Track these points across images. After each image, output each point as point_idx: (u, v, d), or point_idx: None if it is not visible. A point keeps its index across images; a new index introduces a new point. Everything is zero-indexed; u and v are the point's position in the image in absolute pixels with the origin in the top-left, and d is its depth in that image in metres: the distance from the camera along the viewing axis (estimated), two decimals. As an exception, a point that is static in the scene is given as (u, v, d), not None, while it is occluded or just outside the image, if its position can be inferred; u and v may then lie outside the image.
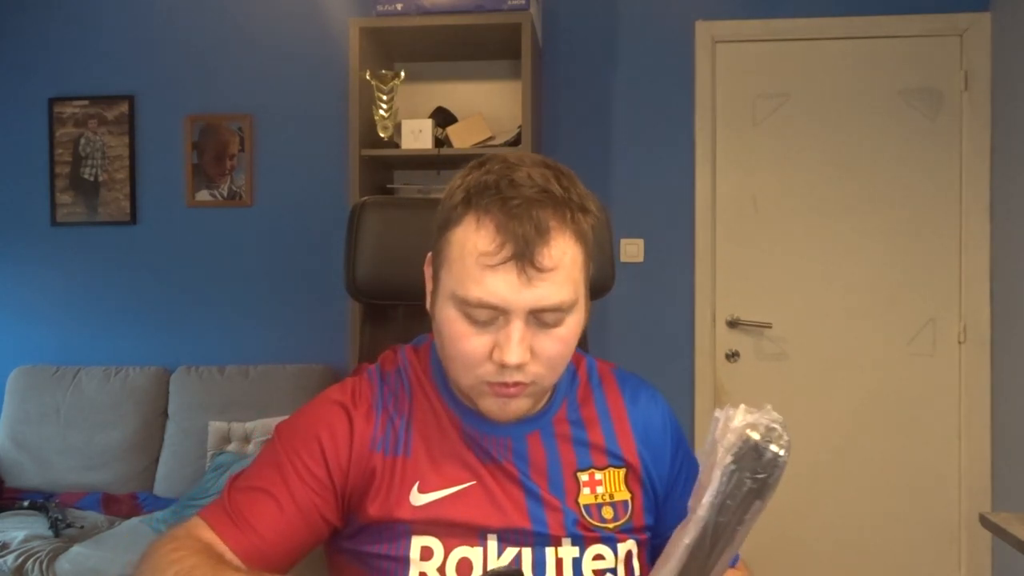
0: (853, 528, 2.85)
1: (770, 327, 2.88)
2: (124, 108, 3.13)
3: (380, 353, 1.02)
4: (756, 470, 0.67)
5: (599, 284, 1.27)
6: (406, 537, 0.86)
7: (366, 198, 1.29)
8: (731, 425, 0.68)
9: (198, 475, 2.71)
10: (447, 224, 0.84)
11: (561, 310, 0.82)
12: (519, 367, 0.81)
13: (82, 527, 2.55)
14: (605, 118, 2.96)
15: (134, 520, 2.60)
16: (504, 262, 0.78)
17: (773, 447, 0.68)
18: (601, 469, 0.92)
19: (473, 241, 0.80)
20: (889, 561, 2.84)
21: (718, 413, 0.70)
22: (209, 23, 3.11)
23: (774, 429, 0.68)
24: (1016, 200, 2.62)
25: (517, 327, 0.80)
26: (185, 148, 3.11)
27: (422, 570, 0.85)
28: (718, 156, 2.92)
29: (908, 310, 2.85)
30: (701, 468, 0.71)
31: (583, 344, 1.34)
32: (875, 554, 2.85)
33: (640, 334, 2.94)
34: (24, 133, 3.17)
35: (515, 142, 2.67)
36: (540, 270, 0.79)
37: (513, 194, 0.79)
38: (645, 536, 0.94)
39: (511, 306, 0.79)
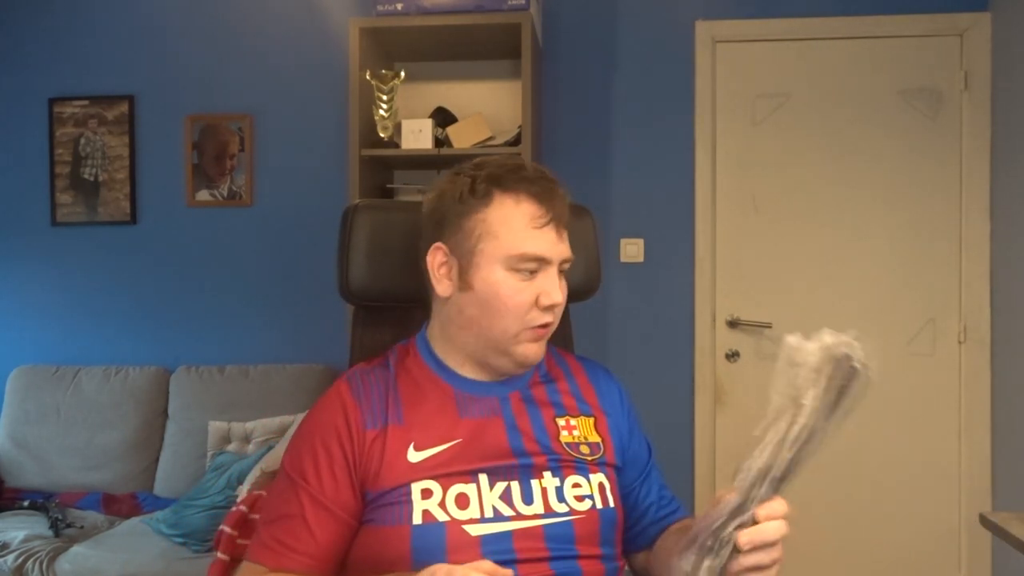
0: (853, 527, 2.85)
1: (770, 327, 2.88)
2: (124, 108, 3.13)
3: (372, 355, 1.17)
4: (843, 382, 0.77)
5: (586, 285, 1.29)
6: (407, 485, 0.98)
7: (358, 201, 1.30)
8: (821, 343, 0.78)
9: (198, 475, 2.71)
10: (475, 208, 1.03)
11: (571, 262, 1.07)
12: (555, 307, 1.03)
13: (82, 527, 2.55)
14: (605, 118, 2.96)
15: (134, 520, 2.60)
16: (548, 223, 1.02)
17: (855, 363, 0.78)
18: (575, 416, 1.10)
19: (518, 212, 1.02)
20: (889, 561, 2.84)
21: (791, 339, 0.80)
22: (209, 23, 3.11)
23: (854, 348, 0.78)
24: (1016, 200, 2.62)
25: (555, 273, 1.04)
26: (185, 148, 3.11)
27: (425, 508, 0.97)
28: (718, 156, 2.92)
29: (908, 310, 2.85)
30: (779, 389, 0.81)
31: (568, 344, 1.38)
32: (875, 554, 2.85)
33: (640, 334, 2.94)
34: (24, 133, 3.17)
35: (515, 142, 2.67)
36: (566, 229, 1.06)
37: (533, 175, 1.04)
38: (615, 476, 1.09)
39: (553, 257, 1.03)
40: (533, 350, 1.05)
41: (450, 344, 1.09)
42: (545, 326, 1.04)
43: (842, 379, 0.78)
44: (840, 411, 0.79)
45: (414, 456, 1.00)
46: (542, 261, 1.02)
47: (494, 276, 1.02)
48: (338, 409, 1.03)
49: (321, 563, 0.98)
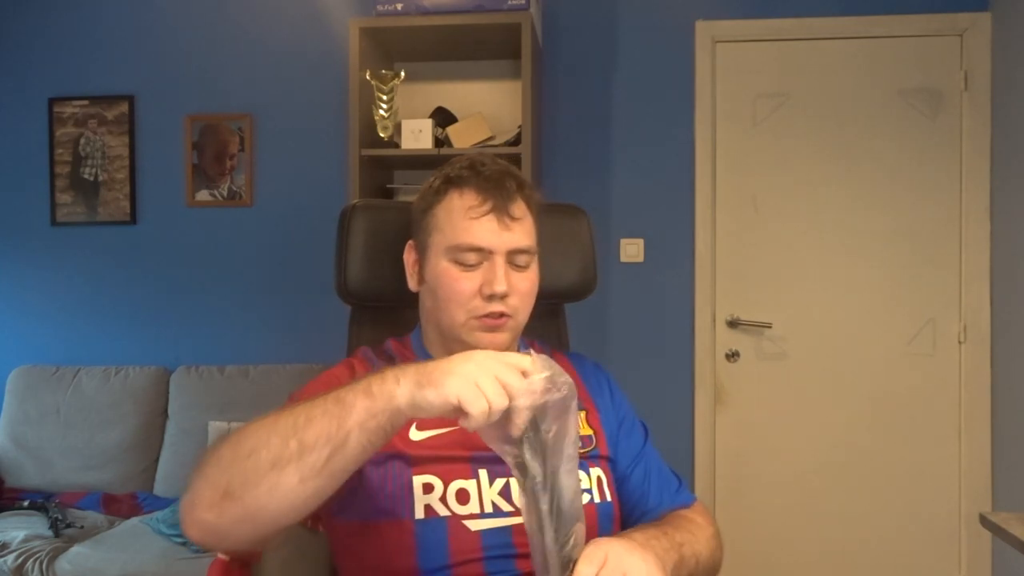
0: (853, 527, 2.85)
1: (770, 327, 2.88)
2: (124, 108, 3.13)
3: None
4: (558, 414, 0.79)
5: (583, 286, 1.30)
6: (408, 477, 0.99)
7: (356, 201, 1.31)
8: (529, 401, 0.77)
9: (198, 475, 2.71)
10: (430, 205, 1.08)
11: (529, 253, 1.06)
12: (503, 297, 1.03)
13: (82, 527, 2.55)
14: (605, 118, 2.96)
15: (134, 520, 2.60)
16: (487, 213, 1.03)
17: (562, 385, 0.78)
18: None
19: (459, 204, 1.04)
20: (889, 561, 2.84)
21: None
22: (209, 23, 3.11)
23: (546, 377, 0.78)
24: (1016, 200, 2.62)
25: (500, 263, 1.03)
26: (185, 148, 3.11)
27: (426, 502, 0.98)
28: (718, 156, 2.91)
29: (908, 310, 2.85)
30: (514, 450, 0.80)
31: (563, 343, 1.37)
32: (875, 554, 2.84)
33: (640, 334, 2.94)
34: (24, 133, 3.17)
35: (515, 142, 2.67)
36: (513, 218, 1.04)
37: (484, 169, 1.06)
38: (610, 465, 1.11)
39: (495, 247, 1.03)
40: (487, 339, 1.04)
41: (427, 338, 1.14)
42: (497, 317, 1.04)
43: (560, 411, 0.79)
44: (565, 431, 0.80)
45: (416, 435, 1.01)
46: (481, 251, 1.03)
47: (439, 267, 1.05)
48: (347, 370, 1.06)
49: None
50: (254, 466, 0.76)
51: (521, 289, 1.05)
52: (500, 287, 1.02)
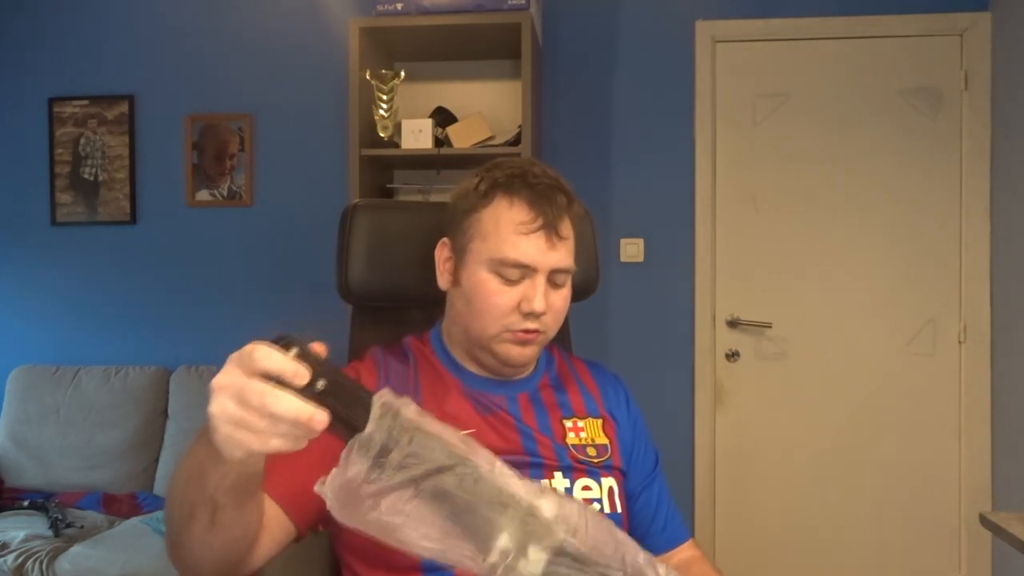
0: (853, 527, 2.85)
1: (770, 327, 2.88)
2: (124, 108, 3.13)
3: None
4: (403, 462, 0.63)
5: (584, 286, 1.30)
6: None
7: (357, 201, 1.31)
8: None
9: (198, 475, 2.71)
10: (475, 207, 1.04)
11: (569, 272, 1.05)
12: (539, 315, 1.01)
13: (82, 527, 2.54)
14: (605, 117, 2.96)
15: (134, 520, 2.60)
16: (537, 230, 1.00)
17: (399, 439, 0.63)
18: (582, 418, 1.11)
19: (508, 215, 1.01)
20: (889, 560, 2.84)
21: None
22: (209, 23, 3.11)
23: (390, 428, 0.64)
24: (1016, 200, 2.62)
25: (541, 282, 1.01)
26: (185, 148, 3.11)
27: None
28: (718, 156, 2.91)
29: (908, 310, 2.85)
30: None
31: (566, 343, 1.38)
32: (875, 553, 2.85)
33: (640, 334, 2.94)
34: (24, 133, 3.17)
35: (515, 142, 2.67)
36: (560, 238, 1.02)
37: (537, 181, 1.02)
38: (622, 478, 1.10)
39: (539, 265, 1.01)
40: (516, 352, 1.04)
41: (450, 339, 1.11)
42: (530, 332, 1.03)
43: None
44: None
45: None
46: (526, 268, 1.01)
47: (478, 276, 1.03)
48: (352, 374, 0.96)
49: (301, 495, 0.86)
50: (171, 519, 0.78)
51: (556, 307, 1.04)
52: (539, 306, 1.00)
